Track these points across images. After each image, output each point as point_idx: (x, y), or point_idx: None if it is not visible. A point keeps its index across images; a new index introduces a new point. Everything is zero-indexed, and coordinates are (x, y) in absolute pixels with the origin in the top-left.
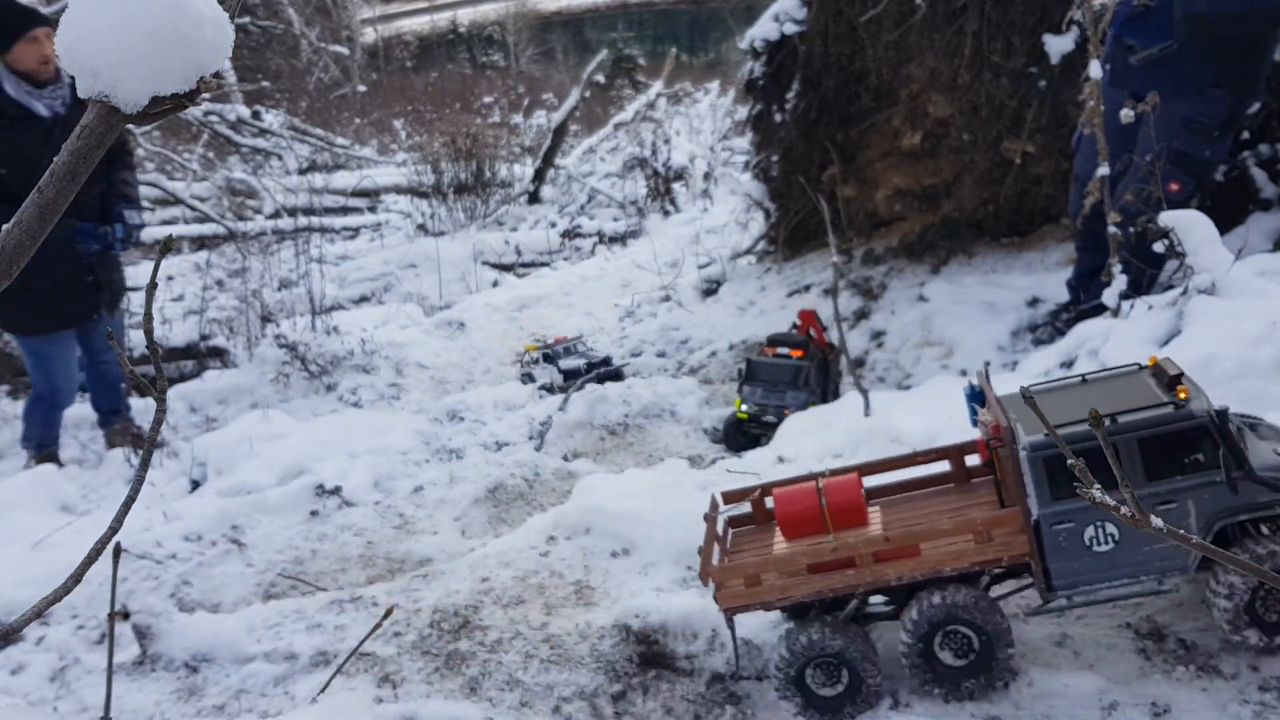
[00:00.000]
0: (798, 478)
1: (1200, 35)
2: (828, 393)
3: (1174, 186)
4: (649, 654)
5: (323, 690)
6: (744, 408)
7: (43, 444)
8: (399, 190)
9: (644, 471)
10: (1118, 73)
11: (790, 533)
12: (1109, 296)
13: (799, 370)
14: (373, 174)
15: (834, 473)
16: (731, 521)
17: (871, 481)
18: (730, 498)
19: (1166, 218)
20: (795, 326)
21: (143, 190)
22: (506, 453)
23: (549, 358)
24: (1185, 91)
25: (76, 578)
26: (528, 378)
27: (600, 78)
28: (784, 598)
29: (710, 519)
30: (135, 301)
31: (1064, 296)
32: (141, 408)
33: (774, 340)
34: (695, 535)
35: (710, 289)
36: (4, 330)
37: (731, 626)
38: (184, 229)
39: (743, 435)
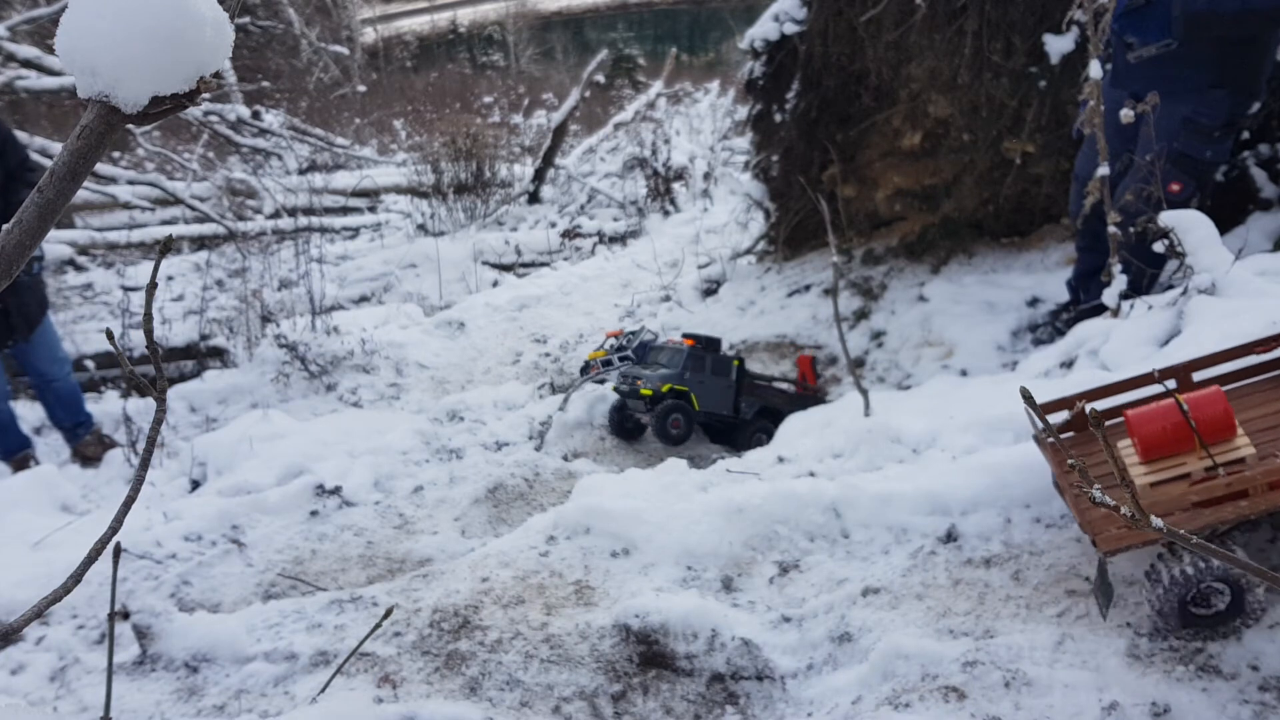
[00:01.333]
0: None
1: (1199, 33)
2: (740, 404)
3: (1174, 187)
4: (649, 654)
5: (323, 690)
6: (615, 384)
7: (8, 452)
8: (399, 190)
9: (644, 471)
10: (1118, 72)
11: (1151, 453)
12: (1109, 296)
13: (675, 353)
14: (373, 174)
15: (1162, 372)
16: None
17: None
18: (1049, 408)
19: (1166, 218)
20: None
21: (143, 190)
22: (506, 453)
23: (628, 357)
24: (1185, 92)
25: (76, 578)
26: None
27: (600, 78)
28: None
29: (1041, 439)
30: (135, 302)
31: (1064, 296)
32: (142, 408)
33: (685, 334)
34: (695, 534)
35: (710, 289)
36: None
37: (1103, 567)
38: (184, 229)
39: (626, 420)
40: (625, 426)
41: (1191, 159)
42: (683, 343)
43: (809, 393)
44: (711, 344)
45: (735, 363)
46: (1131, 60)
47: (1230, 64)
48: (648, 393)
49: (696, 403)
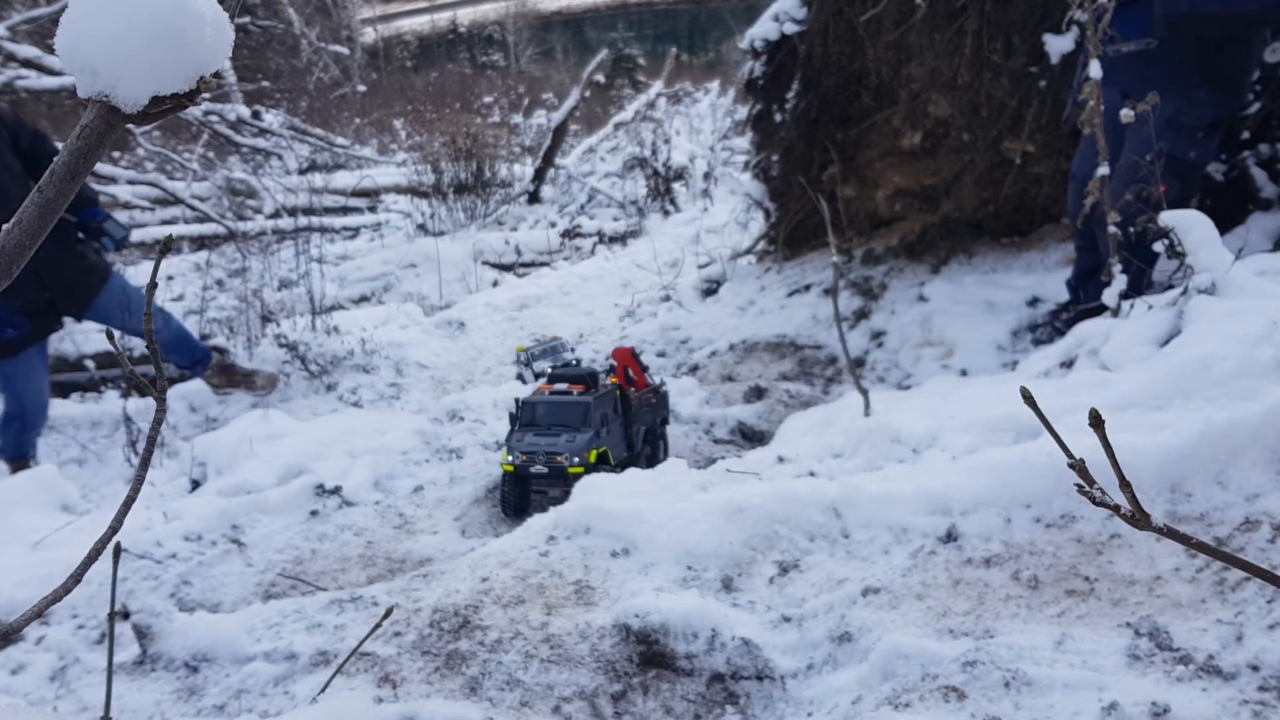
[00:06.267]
0: None
1: (1180, 33)
2: (632, 437)
3: (1161, 188)
4: (649, 654)
5: (323, 690)
6: (509, 459)
7: (16, 455)
8: (399, 190)
9: (644, 471)
10: (1106, 70)
11: None
12: (1109, 296)
13: (579, 409)
14: (373, 174)
15: None
16: None
17: None
18: None
19: (1166, 218)
20: (612, 367)
21: (143, 190)
22: None
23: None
24: (1168, 92)
25: (76, 578)
26: None
27: (600, 78)
28: None
29: None
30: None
31: (1064, 296)
32: (142, 407)
33: (554, 377)
34: (695, 534)
35: (710, 289)
36: None
37: None
38: (184, 229)
39: (517, 494)
40: (516, 501)
41: (1176, 159)
42: (569, 390)
43: (645, 393)
44: (593, 377)
45: (618, 393)
46: (1111, 54)
47: (1213, 65)
48: (578, 470)
49: (612, 458)
